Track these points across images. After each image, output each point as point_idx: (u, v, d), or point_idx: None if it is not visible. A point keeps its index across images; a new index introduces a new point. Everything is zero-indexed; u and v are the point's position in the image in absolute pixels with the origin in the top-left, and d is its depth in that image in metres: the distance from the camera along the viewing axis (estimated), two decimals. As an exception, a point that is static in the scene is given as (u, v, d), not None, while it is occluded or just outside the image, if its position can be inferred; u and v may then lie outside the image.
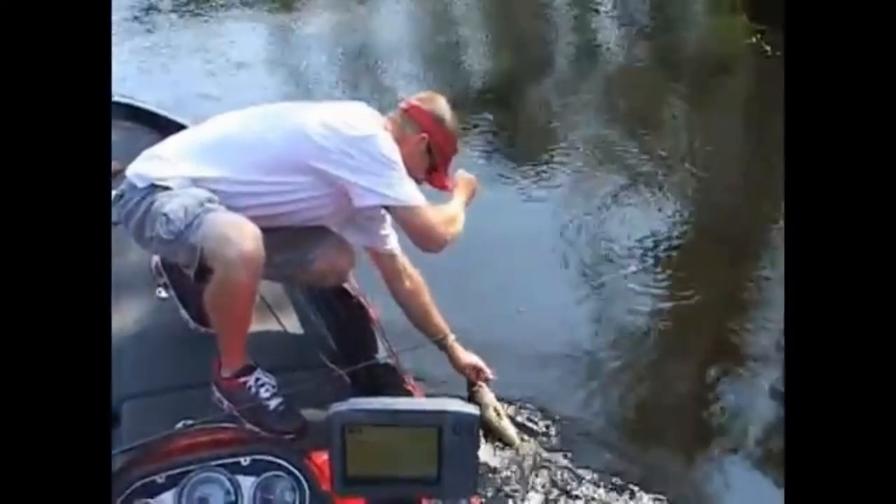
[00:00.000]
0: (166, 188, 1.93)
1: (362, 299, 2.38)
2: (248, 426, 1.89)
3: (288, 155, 2.00)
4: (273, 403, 1.92)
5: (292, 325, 2.19)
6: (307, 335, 2.25)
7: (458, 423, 0.94)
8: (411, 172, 2.06)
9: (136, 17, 6.57)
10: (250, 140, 2.05)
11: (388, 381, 2.09)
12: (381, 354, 2.17)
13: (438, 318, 2.30)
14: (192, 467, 1.63)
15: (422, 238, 2.07)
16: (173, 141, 2.12)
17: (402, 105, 2.16)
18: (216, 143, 2.06)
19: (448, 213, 2.14)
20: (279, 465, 1.67)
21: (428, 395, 2.20)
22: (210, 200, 1.91)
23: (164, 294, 2.21)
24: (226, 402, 1.92)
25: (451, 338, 2.34)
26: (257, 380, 1.93)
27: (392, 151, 2.00)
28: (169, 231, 1.87)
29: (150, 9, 6.80)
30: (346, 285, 2.34)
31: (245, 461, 1.65)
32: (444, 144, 2.15)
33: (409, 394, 2.07)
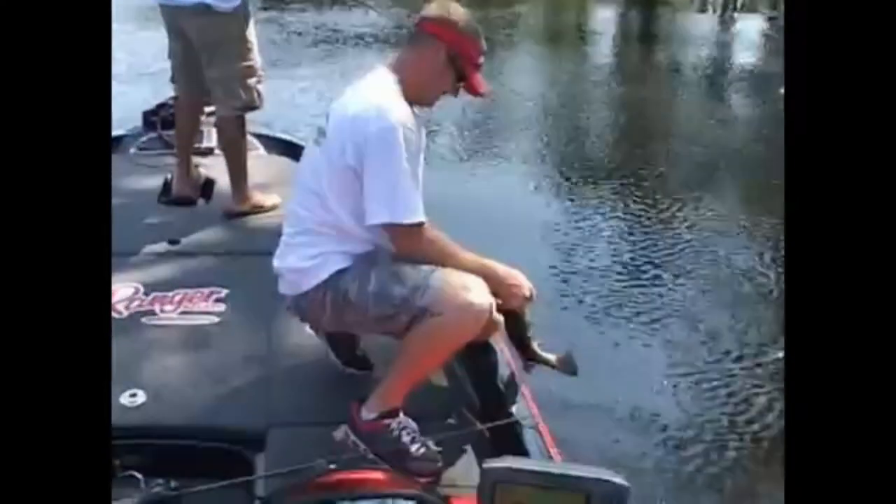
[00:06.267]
0: None
1: (508, 356, 2.39)
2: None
3: None
4: (414, 448, 1.95)
5: (437, 376, 2.23)
6: (451, 387, 2.28)
7: (606, 493, 0.95)
8: (438, 87, 2.03)
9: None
10: None
11: (529, 442, 2.08)
12: (524, 414, 2.16)
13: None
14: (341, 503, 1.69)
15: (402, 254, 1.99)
16: None
17: (416, 21, 2.06)
18: None
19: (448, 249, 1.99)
20: None
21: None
22: None
23: (310, 330, 2.27)
24: (362, 446, 1.95)
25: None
26: (400, 423, 1.96)
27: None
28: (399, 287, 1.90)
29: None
30: (492, 340, 2.35)
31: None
32: (463, 48, 2.02)
33: (550, 458, 2.05)
